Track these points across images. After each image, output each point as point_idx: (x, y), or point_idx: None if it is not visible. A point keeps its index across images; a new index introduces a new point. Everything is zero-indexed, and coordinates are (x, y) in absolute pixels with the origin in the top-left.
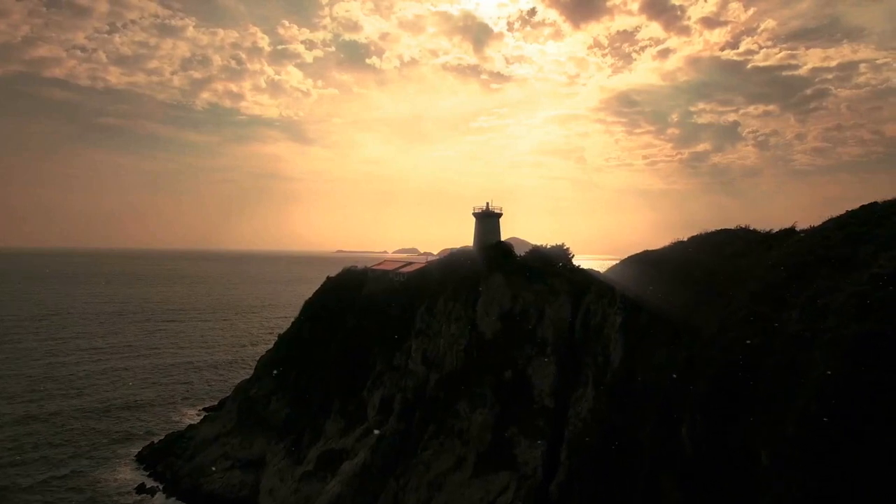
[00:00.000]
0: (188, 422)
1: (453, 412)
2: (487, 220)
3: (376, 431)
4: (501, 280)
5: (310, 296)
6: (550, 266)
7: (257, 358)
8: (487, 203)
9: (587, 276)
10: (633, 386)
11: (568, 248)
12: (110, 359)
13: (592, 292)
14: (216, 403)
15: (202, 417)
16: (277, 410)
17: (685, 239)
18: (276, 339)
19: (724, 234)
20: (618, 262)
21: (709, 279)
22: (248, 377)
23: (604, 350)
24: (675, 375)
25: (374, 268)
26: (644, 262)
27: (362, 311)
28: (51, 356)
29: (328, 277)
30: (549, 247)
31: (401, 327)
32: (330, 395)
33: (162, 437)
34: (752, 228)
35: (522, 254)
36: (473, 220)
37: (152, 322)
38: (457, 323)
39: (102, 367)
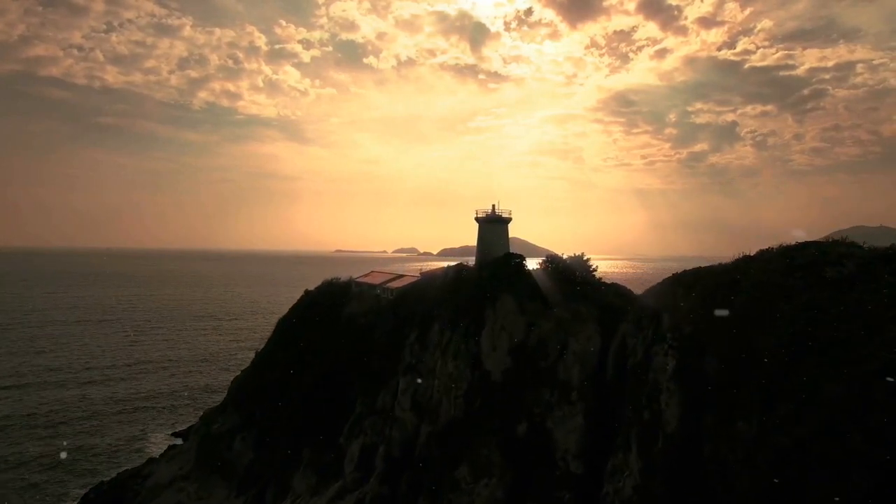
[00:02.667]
0: (152, 450)
1: (451, 481)
2: (493, 226)
3: (354, 494)
4: (512, 303)
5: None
6: (572, 284)
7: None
8: (493, 206)
9: (621, 297)
10: (700, 463)
11: (589, 259)
12: (87, 364)
13: (630, 320)
14: (187, 429)
15: (166, 448)
16: (242, 453)
17: (752, 253)
18: (255, 356)
19: (819, 247)
20: (660, 282)
21: (810, 316)
22: (219, 402)
23: (650, 402)
24: (769, 462)
25: (359, 280)
26: (701, 285)
27: (342, 336)
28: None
29: (306, 291)
30: (566, 257)
31: (386, 359)
32: (300, 441)
33: (114, 477)
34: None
35: (535, 265)
36: (475, 223)
37: (136, 326)
38: (455, 360)
39: (75, 374)
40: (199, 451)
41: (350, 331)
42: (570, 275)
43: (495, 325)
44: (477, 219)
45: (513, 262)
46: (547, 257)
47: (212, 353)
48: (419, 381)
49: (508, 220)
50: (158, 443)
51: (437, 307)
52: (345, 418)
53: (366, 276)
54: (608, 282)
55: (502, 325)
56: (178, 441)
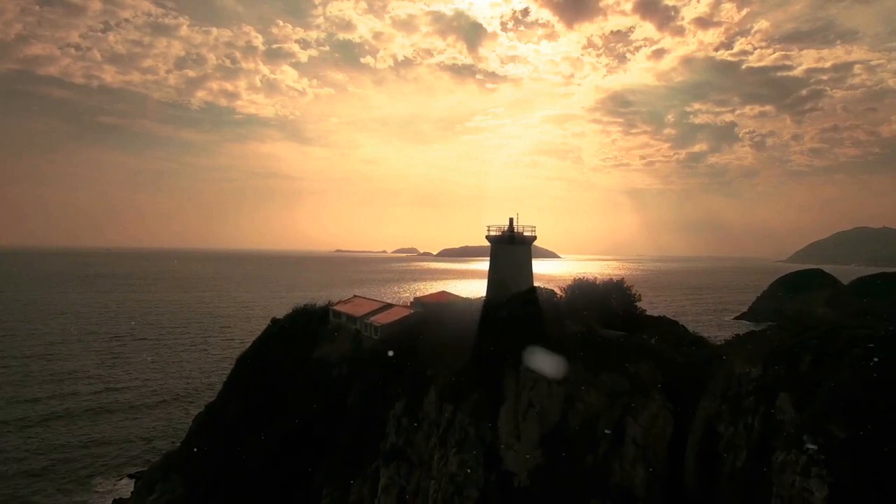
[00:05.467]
0: None
1: None
2: (512, 249)
3: None
4: (544, 365)
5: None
6: (609, 319)
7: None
8: (511, 220)
9: (687, 344)
10: None
11: (631, 287)
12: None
13: (717, 394)
14: (145, 470)
15: None
16: None
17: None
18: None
19: None
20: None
21: None
22: (181, 442)
23: None
24: None
25: (337, 308)
26: (852, 344)
27: (310, 390)
28: None
29: (273, 321)
30: (597, 281)
31: (364, 431)
32: None
33: None
34: None
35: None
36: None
37: (118, 339)
38: (460, 452)
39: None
40: None
41: (320, 383)
42: (606, 307)
43: (519, 399)
44: (490, 238)
45: (540, 299)
46: (574, 283)
47: (190, 377)
48: (408, 474)
49: (531, 239)
50: (101, 499)
51: (435, 362)
52: None
53: (347, 302)
54: (651, 313)
55: (530, 400)
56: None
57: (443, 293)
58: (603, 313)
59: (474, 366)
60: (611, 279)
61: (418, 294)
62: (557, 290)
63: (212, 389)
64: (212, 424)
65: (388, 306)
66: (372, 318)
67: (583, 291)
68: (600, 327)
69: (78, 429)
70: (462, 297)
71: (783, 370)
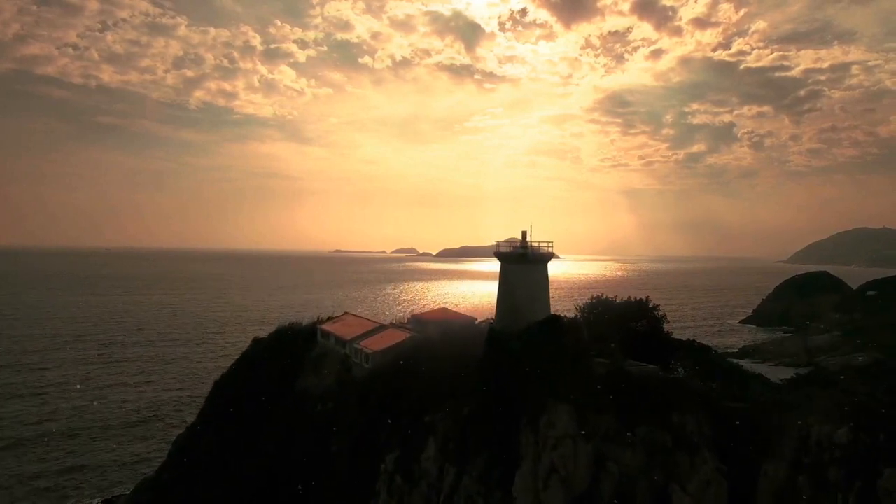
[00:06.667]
0: None
1: None
2: (526, 269)
3: None
4: (568, 419)
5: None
6: (634, 344)
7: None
8: (524, 233)
9: (741, 380)
10: None
11: (658, 307)
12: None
13: (785, 456)
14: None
15: None
16: None
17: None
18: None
19: None
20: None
21: None
22: (156, 469)
23: None
24: None
25: (325, 328)
26: None
27: (289, 429)
28: None
29: (255, 341)
30: (617, 300)
31: (349, 484)
32: None
33: None
34: None
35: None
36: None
37: (106, 348)
38: None
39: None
40: None
41: (300, 420)
42: (628, 331)
43: (539, 461)
44: (499, 255)
45: (564, 337)
46: (592, 301)
47: (181, 388)
48: None
49: (549, 256)
50: None
51: (434, 404)
52: None
53: (336, 321)
54: (679, 334)
55: (552, 463)
56: None
57: (443, 310)
58: (625, 337)
59: (483, 415)
60: (632, 298)
61: (415, 311)
62: (575, 310)
63: (197, 405)
64: (189, 449)
65: (381, 328)
66: (362, 343)
67: (602, 312)
68: (626, 358)
69: (53, 452)
70: (464, 317)
71: (885, 438)
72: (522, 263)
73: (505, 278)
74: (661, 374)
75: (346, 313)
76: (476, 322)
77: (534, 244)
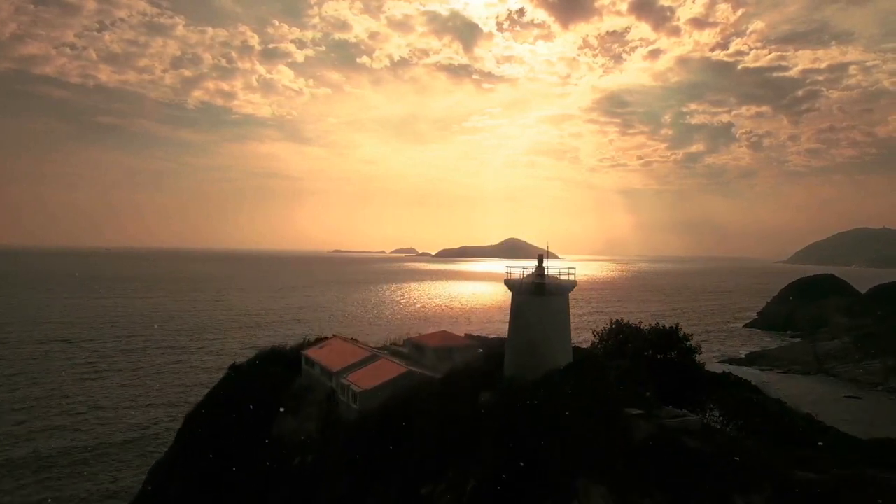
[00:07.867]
0: None
1: None
2: (543, 301)
3: None
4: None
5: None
6: (669, 385)
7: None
8: (540, 257)
9: (805, 433)
10: None
11: (690, 337)
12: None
13: None
14: None
15: None
16: None
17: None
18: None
19: None
20: None
21: None
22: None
23: None
24: None
25: (311, 354)
26: None
27: (263, 486)
28: None
29: (232, 368)
30: (642, 326)
31: None
32: None
33: None
34: None
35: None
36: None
37: (96, 355)
38: None
39: None
40: None
41: (277, 476)
42: (654, 363)
43: None
44: (510, 284)
45: (600, 390)
46: (613, 326)
47: (167, 404)
48: None
49: (570, 286)
50: None
51: (434, 465)
52: None
53: (324, 345)
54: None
55: None
56: None
57: (444, 334)
58: (653, 371)
59: (492, 494)
60: (660, 325)
61: (411, 334)
62: (593, 336)
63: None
64: (160, 485)
65: (373, 357)
66: (351, 378)
67: (624, 339)
68: (661, 404)
69: (29, 476)
70: (466, 341)
71: None
72: (539, 296)
73: (518, 312)
74: (717, 438)
75: (334, 336)
76: (479, 351)
77: (551, 272)
